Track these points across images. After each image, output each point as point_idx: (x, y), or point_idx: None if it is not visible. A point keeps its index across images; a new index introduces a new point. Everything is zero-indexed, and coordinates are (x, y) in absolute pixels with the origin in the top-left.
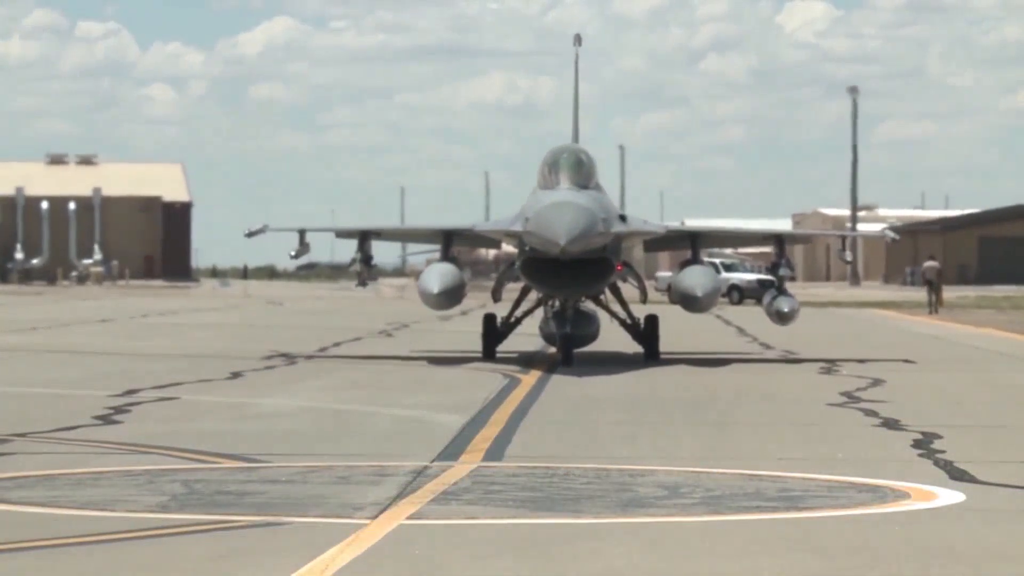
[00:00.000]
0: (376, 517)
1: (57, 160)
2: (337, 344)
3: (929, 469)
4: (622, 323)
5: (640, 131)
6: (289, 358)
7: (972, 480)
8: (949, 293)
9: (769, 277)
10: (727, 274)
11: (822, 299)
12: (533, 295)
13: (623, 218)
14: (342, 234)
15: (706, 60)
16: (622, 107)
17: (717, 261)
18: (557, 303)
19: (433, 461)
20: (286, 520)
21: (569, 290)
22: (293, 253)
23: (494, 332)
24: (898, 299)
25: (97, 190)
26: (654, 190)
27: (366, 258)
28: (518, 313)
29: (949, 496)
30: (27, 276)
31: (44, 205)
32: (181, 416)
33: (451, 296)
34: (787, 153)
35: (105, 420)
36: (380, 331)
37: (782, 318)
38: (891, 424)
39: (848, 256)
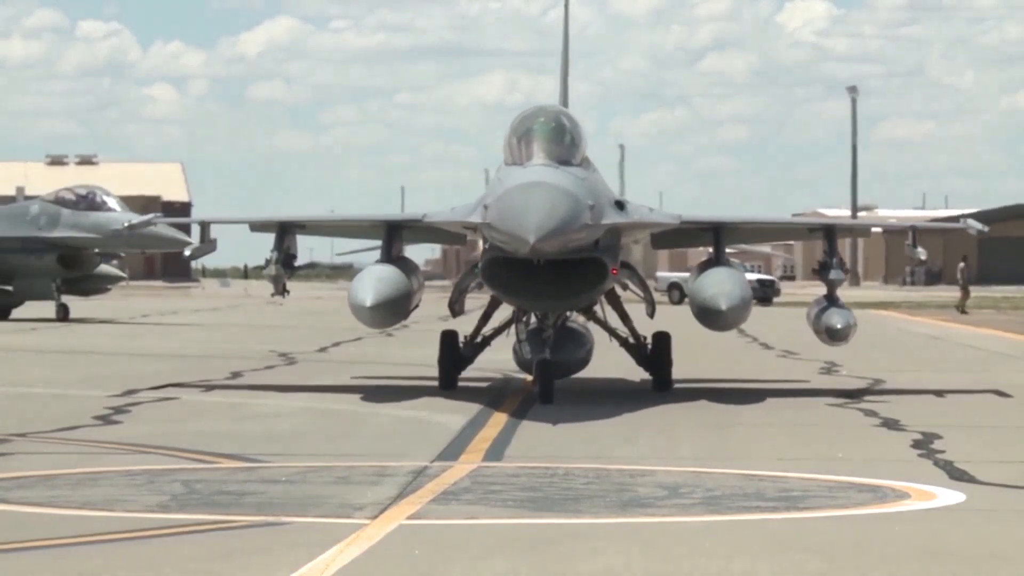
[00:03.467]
0: (376, 517)
1: (57, 160)
2: (337, 344)
3: (929, 469)
4: (623, 343)
5: (640, 131)
6: (289, 358)
7: (972, 480)
8: (948, 293)
9: (770, 277)
10: None
11: None
12: (507, 306)
13: (620, 206)
14: (257, 227)
15: (706, 60)
16: (622, 107)
17: None
18: (533, 319)
19: (433, 461)
20: (286, 520)
21: (547, 302)
22: (188, 253)
23: (455, 355)
24: (897, 299)
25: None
26: (654, 190)
27: (286, 258)
28: (487, 330)
29: (949, 496)
30: None
31: None
32: (181, 416)
33: (390, 310)
34: (787, 153)
35: (105, 420)
36: (379, 331)
37: (833, 336)
38: (891, 424)
39: (922, 254)
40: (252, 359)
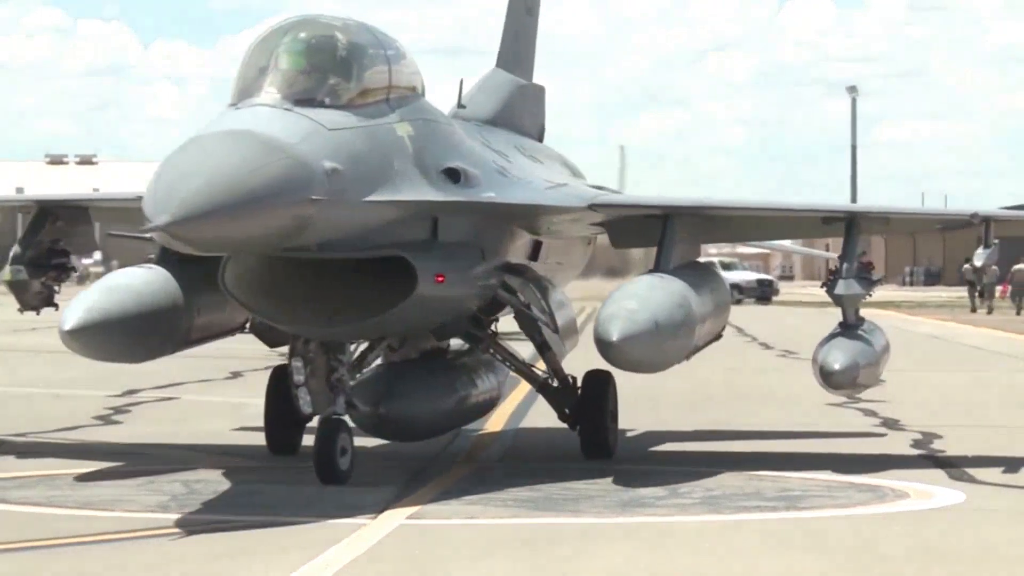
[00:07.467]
0: (376, 517)
1: (57, 160)
2: None
3: (929, 469)
4: (542, 387)
5: (640, 131)
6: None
7: (972, 480)
8: (947, 293)
9: (768, 276)
10: (725, 273)
11: (821, 299)
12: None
13: (454, 175)
14: (25, 209)
15: (707, 60)
16: (622, 107)
17: (715, 260)
18: (312, 351)
19: (433, 461)
20: (286, 520)
21: (318, 327)
22: None
23: (290, 403)
24: (897, 299)
25: (97, 190)
26: (654, 191)
27: (42, 256)
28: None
29: (948, 496)
30: None
31: None
32: (181, 416)
33: (117, 336)
34: (787, 153)
35: (105, 420)
36: None
37: (828, 381)
38: (891, 424)
39: (980, 256)
40: (252, 359)
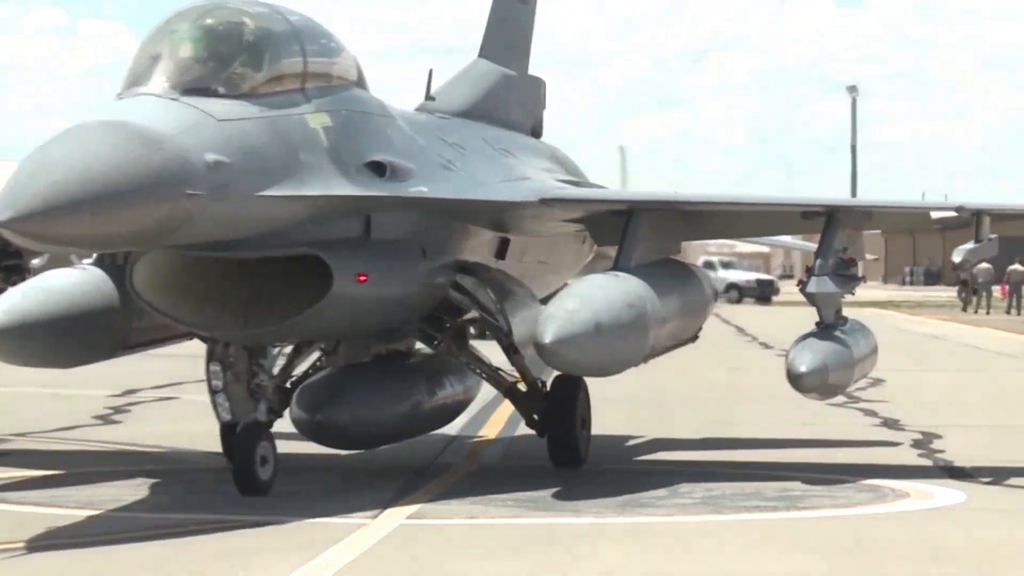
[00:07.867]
0: (376, 517)
1: None
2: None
3: (929, 469)
4: (508, 391)
5: (640, 131)
6: None
7: (972, 480)
8: (947, 293)
9: (768, 276)
10: (724, 272)
11: None
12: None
13: (380, 168)
14: None
15: (707, 60)
16: (622, 107)
17: (715, 259)
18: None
19: (433, 461)
20: (286, 520)
21: (235, 329)
22: None
23: None
24: (897, 299)
25: None
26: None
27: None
28: (303, 369)
29: (948, 496)
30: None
31: None
32: (181, 416)
33: (47, 340)
34: (787, 153)
35: (105, 420)
36: None
37: (795, 384)
38: (891, 424)
39: (959, 252)
40: None
